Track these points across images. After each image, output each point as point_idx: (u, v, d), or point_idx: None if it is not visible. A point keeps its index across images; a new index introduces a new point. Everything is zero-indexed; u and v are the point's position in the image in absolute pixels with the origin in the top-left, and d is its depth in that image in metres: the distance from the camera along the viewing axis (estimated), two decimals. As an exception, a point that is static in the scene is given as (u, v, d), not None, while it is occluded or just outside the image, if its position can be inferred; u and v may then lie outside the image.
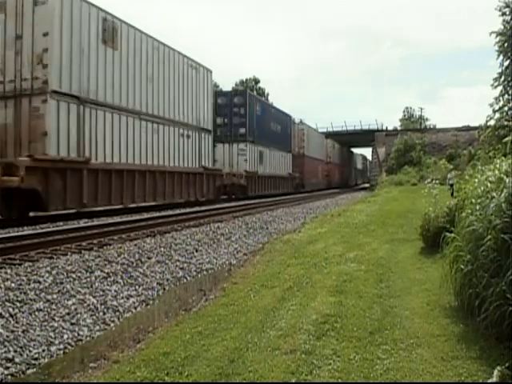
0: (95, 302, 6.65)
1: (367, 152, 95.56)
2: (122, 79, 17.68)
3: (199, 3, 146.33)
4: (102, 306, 6.54)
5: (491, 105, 18.47)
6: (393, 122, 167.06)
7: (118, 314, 6.43)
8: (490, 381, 3.44)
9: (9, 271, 7.32)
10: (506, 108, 18.14)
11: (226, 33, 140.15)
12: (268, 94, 69.57)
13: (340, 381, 3.67)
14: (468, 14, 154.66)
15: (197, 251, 10.75)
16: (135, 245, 10.33)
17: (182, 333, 5.02)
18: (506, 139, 5.61)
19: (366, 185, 68.73)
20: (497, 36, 18.09)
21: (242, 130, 30.74)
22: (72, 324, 5.80)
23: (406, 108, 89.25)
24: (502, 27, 18.35)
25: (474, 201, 5.20)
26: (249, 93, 33.68)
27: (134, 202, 18.43)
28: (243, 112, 30.70)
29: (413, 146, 45.65)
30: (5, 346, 4.88)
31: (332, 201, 30.86)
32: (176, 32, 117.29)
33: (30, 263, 7.91)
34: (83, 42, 15.66)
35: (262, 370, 3.89)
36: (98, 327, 5.88)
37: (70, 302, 6.43)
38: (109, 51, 16.93)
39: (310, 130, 48.42)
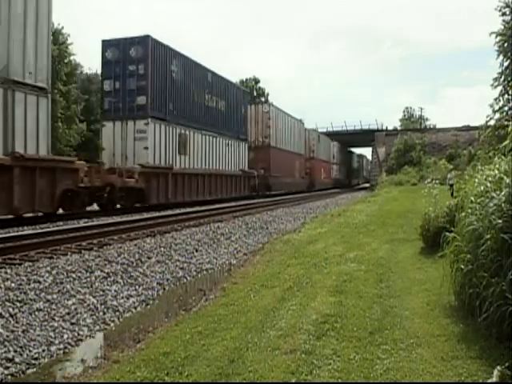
0: (95, 301, 6.65)
1: (367, 152, 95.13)
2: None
3: (199, 3, 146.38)
4: (102, 306, 6.54)
5: (491, 105, 18.50)
6: (393, 121, 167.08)
7: (117, 313, 6.43)
8: (489, 381, 3.44)
9: (9, 271, 7.32)
10: (506, 108, 18.15)
11: (226, 33, 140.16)
12: (268, 94, 69.55)
13: (340, 381, 3.67)
14: (468, 14, 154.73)
15: (197, 251, 10.75)
16: (135, 245, 10.33)
17: (182, 333, 5.02)
18: (504, 143, 5.60)
19: (366, 184, 67.60)
20: (497, 36, 18.10)
21: (141, 100, 19.83)
22: (72, 324, 5.80)
23: (406, 108, 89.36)
24: (502, 27, 18.36)
25: (473, 200, 5.20)
26: (154, 40, 20.34)
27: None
28: (143, 71, 19.75)
29: (413, 146, 45.62)
30: (5, 346, 4.88)
31: (332, 201, 30.87)
32: (176, 32, 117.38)
33: (30, 263, 7.91)
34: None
35: (262, 370, 3.88)
36: (97, 327, 5.88)
37: (70, 302, 6.43)
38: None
39: (281, 113, 37.40)
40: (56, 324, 5.69)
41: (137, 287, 7.65)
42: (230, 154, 28.66)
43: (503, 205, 4.50)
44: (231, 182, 28.16)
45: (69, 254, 8.87)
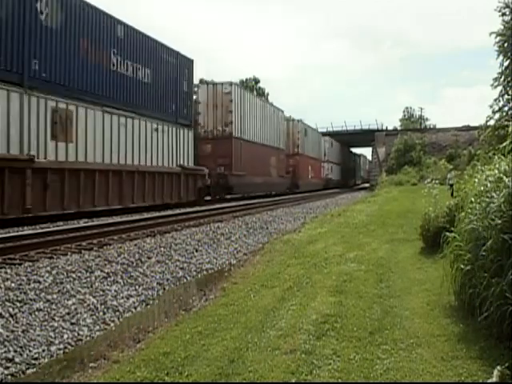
0: (95, 301, 6.65)
1: (367, 152, 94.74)
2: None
3: (199, 3, 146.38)
4: (102, 306, 6.54)
5: (491, 106, 18.51)
6: (393, 121, 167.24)
7: (117, 313, 6.43)
8: (489, 381, 3.44)
9: (9, 271, 7.31)
10: (506, 108, 18.16)
11: (226, 32, 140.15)
12: (268, 94, 69.57)
13: (340, 381, 3.67)
14: (468, 14, 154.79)
15: (197, 251, 10.75)
16: (135, 245, 10.33)
17: (182, 333, 5.02)
18: (504, 144, 5.60)
19: (365, 185, 66.34)
20: (497, 36, 18.11)
21: None
22: (72, 324, 5.80)
23: (406, 108, 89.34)
24: (502, 27, 18.37)
25: (473, 200, 5.20)
26: None
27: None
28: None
29: (413, 146, 45.64)
30: (5, 346, 4.88)
31: (332, 201, 30.88)
32: (177, 32, 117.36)
33: (30, 263, 7.91)
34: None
35: (262, 370, 3.88)
36: (97, 327, 5.88)
37: (69, 302, 6.43)
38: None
39: (250, 97, 31.09)
40: (56, 324, 5.69)
41: (137, 287, 7.65)
42: (160, 144, 20.19)
43: (503, 205, 4.50)
44: (161, 182, 19.80)
45: (69, 253, 8.87)
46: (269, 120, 34.51)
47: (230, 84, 27.68)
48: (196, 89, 26.52)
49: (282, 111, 39.46)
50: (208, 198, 25.23)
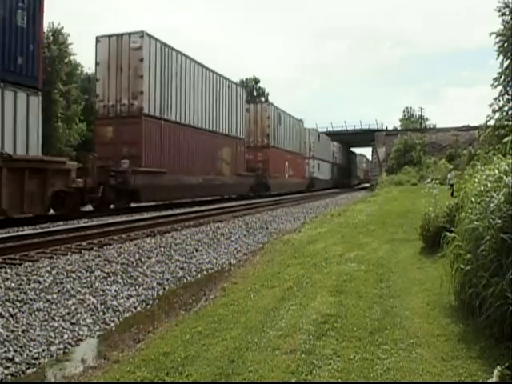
0: (95, 301, 6.65)
1: (367, 152, 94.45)
2: None
3: (199, 3, 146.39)
4: (102, 306, 6.54)
5: (491, 105, 18.50)
6: (393, 121, 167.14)
7: (118, 313, 6.44)
8: (489, 381, 3.44)
9: (9, 271, 7.31)
10: (506, 108, 18.15)
11: (226, 32, 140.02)
12: (268, 94, 69.56)
13: (340, 381, 3.67)
14: (468, 14, 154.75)
15: (197, 251, 10.75)
16: (135, 245, 10.32)
17: (182, 333, 5.02)
18: (506, 139, 5.60)
19: (365, 185, 64.07)
20: (497, 36, 18.10)
21: None
22: (72, 324, 5.80)
23: (406, 108, 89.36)
24: (502, 27, 18.36)
25: (473, 200, 5.20)
26: None
27: None
28: None
29: (413, 146, 45.61)
30: (5, 346, 4.88)
31: (332, 201, 30.87)
32: (177, 32, 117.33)
33: (30, 263, 7.90)
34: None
35: (262, 370, 3.88)
36: (97, 327, 5.88)
37: (70, 302, 6.43)
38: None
39: (168, 51, 20.63)
40: (56, 324, 5.69)
41: (137, 287, 7.65)
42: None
43: (502, 205, 4.50)
44: None
45: (69, 253, 8.87)
46: (219, 97, 25.64)
47: (141, 35, 18.64)
48: (95, 44, 19.16)
49: (243, 88, 31.52)
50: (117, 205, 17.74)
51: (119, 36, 18.93)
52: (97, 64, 19.41)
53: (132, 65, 18.73)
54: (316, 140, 47.48)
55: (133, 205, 19.09)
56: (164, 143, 20.14)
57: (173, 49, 21.18)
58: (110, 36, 19.09)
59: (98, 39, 19.23)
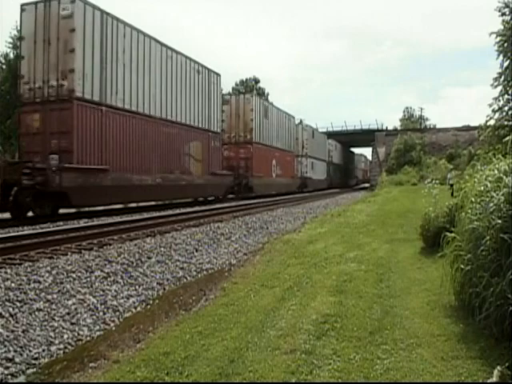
0: (95, 301, 6.64)
1: (367, 152, 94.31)
2: None
3: (199, 3, 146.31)
4: (102, 306, 6.54)
5: (490, 105, 18.50)
6: (393, 121, 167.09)
7: (118, 313, 6.43)
8: (489, 381, 3.44)
9: (9, 271, 7.31)
10: (506, 108, 18.15)
11: (226, 32, 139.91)
12: (268, 94, 69.55)
13: (340, 381, 3.67)
14: (468, 14, 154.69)
15: (197, 251, 10.75)
16: (135, 245, 10.32)
17: (182, 333, 5.02)
18: (506, 139, 5.61)
19: (366, 184, 62.39)
20: (497, 36, 18.10)
21: None
22: (72, 324, 5.80)
23: (406, 108, 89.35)
24: (502, 27, 18.35)
25: (473, 200, 5.20)
26: None
27: None
28: None
29: (413, 146, 45.64)
30: (5, 346, 4.88)
31: (332, 200, 30.88)
32: (176, 32, 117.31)
33: (30, 263, 7.90)
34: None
35: (262, 370, 3.88)
36: (97, 327, 5.88)
37: (69, 302, 6.43)
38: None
39: (107, 19, 16.77)
40: (56, 324, 5.69)
41: (137, 287, 7.65)
42: None
43: (502, 205, 4.50)
44: None
45: (69, 253, 8.87)
46: (186, 83, 22.03)
47: (73, 0, 15.17)
48: (20, 14, 15.81)
49: (218, 75, 25.70)
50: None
51: (47, 2, 15.35)
52: (21, 38, 16.14)
53: (61, 37, 15.17)
54: (310, 137, 44.19)
55: (133, 205, 19.11)
56: (106, 135, 16.53)
57: (118, 20, 17.02)
58: (36, 3, 15.53)
59: (22, 7, 15.73)
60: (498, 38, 18.03)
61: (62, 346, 5.19)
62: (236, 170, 29.10)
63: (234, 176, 28.12)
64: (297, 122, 41.02)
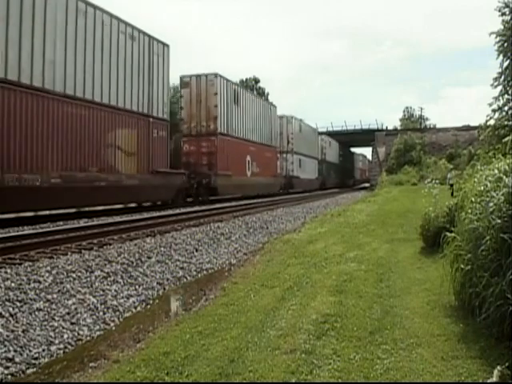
0: (95, 301, 6.64)
1: (367, 152, 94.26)
2: None
3: (199, 3, 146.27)
4: (102, 306, 6.54)
5: (490, 104, 18.51)
6: (393, 121, 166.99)
7: (118, 313, 6.43)
8: (489, 381, 3.44)
9: (9, 271, 7.31)
10: (506, 108, 18.16)
11: (226, 33, 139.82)
12: (268, 94, 69.50)
13: (340, 381, 3.67)
14: (468, 14, 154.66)
15: (197, 251, 10.75)
16: (135, 244, 10.32)
17: (182, 332, 5.02)
18: (506, 139, 5.62)
19: (366, 184, 61.84)
20: (497, 36, 18.11)
21: None
22: (72, 324, 5.80)
23: (406, 108, 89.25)
24: (502, 27, 18.36)
25: (473, 200, 5.20)
26: None
27: None
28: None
29: (413, 146, 45.64)
30: (5, 346, 4.88)
31: (332, 200, 30.89)
32: (176, 32, 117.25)
33: (30, 263, 7.90)
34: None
35: (262, 370, 3.88)
36: (98, 327, 5.88)
37: (70, 302, 6.43)
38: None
39: None
40: (56, 324, 5.69)
41: (137, 287, 7.65)
42: None
43: (502, 205, 4.50)
44: None
45: (69, 253, 8.87)
46: (112, 51, 16.91)
47: None
48: None
49: (165, 45, 20.59)
50: None
51: None
52: None
53: None
54: (297, 131, 39.07)
55: (132, 205, 19.12)
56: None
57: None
58: None
59: None
60: (498, 38, 18.04)
61: (62, 346, 5.19)
62: (195, 168, 24.09)
63: (189, 175, 22.87)
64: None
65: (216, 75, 25.14)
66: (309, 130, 44.63)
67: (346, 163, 63.64)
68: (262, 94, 67.03)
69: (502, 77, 18.06)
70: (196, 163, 24.64)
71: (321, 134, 52.92)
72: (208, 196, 24.16)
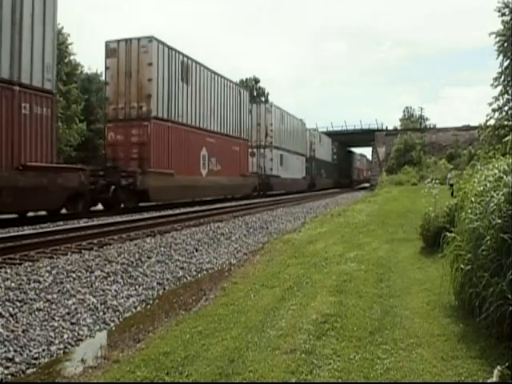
0: (95, 301, 6.64)
1: (367, 152, 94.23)
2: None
3: (199, 3, 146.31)
4: (102, 306, 6.54)
5: (490, 104, 18.54)
6: (393, 121, 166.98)
7: (118, 313, 6.43)
8: (489, 381, 3.44)
9: (9, 271, 7.31)
10: (506, 108, 18.18)
11: (226, 33, 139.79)
12: (268, 94, 69.57)
13: (340, 381, 3.67)
14: (468, 14, 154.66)
15: (197, 251, 10.75)
16: (135, 244, 10.32)
17: (182, 332, 5.02)
18: (506, 139, 5.62)
19: (366, 184, 60.64)
20: (496, 36, 18.14)
21: None
22: (72, 324, 5.80)
23: (406, 108, 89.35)
24: (502, 27, 18.39)
25: (473, 200, 5.20)
26: None
27: None
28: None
29: (413, 146, 45.63)
30: (5, 346, 4.88)
31: (332, 200, 30.90)
32: (176, 32, 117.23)
33: (30, 263, 7.90)
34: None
35: (262, 370, 3.88)
36: (98, 327, 5.88)
37: (70, 302, 6.43)
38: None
39: None
40: (56, 324, 5.69)
41: (137, 287, 7.65)
42: None
43: (502, 204, 4.50)
44: None
45: (69, 253, 8.87)
46: None
47: None
48: None
49: None
50: None
51: None
52: None
53: None
54: (278, 122, 33.45)
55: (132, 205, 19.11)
56: None
57: None
58: None
59: None
60: (498, 38, 18.07)
61: (62, 346, 5.19)
62: (115, 163, 18.58)
63: (97, 173, 17.42)
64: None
65: (151, 39, 19.21)
66: (294, 122, 38.60)
67: (342, 162, 59.51)
68: (261, 94, 67.15)
69: (502, 77, 18.09)
70: (126, 158, 18.84)
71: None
72: (136, 202, 18.46)
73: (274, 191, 33.08)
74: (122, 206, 18.10)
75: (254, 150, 32.08)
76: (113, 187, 17.40)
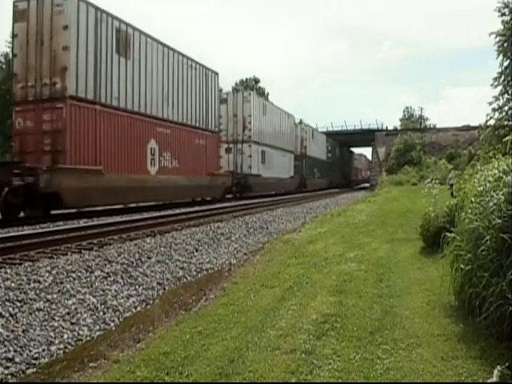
0: (95, 301, 6.64)
1: (367, 152, 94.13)
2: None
3: (199, 3, 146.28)
4: (102, 306, 6.54)
5: (490, 103, 18.52)
6: (393, 121, 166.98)
7: (118, 313, 6.43)
8: (489, 381, 3.44)
9: (9, 271, 7.31)
10: (506, 108, 18.17)
11: (226, 32, 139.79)
12: (268, 94, 69.56)
13: (340, 381, 3.67)
14: (468, 14, 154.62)
15: (197, 251, 10.74)
16: (135, 244, 10.32)
17: (182, 332, 5.02)
18: (506, 138, 5.62)
19: (367, 184, 59.27)
20: (496, 36, 18.12)
21: None
22: (72, 324, 5.79)
23: (406, 108, 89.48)
24: (502, 27, 18.37)
25: (473, 200, 5.20)
26: None
27: None
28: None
29: (413, 146, 45.64)
30: (5, 346, 4.88)
31: (332, 200, 30.89)
32: (176, 32, 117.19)
33: (30, 263, 7.90)
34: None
35: (262, 370, 3.88)
36: (98, 327, 5.87)
37: (70, 302, 6.43)
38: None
39: None
40: (56, 324, 5.68)
41: (137, 287, 7.64)
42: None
43: (502, 204, 4.50)
44: None
45: (69, 253, 8.87)
46: None
47: None
48: None
49: None
50: None
51: None
52: None
53: None
54: (259, 114, 29.30)
55: (133, 205, 19.10)
56: None
57: None
58: None
59: None
60: (498, 38, 18.06)
61: (62, 346, 5.19)
62: (23, 157, 14.46)
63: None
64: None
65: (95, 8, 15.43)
66: (280, 114, 33.94)
67: (339, 161, 55.71)
68: (261, 93, 67.13)
69: (502, 77, 18.07)
70: (37, 150, 14.49)
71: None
72: (42, 209, 14.22)
73: (254, 193, 28.77)
74: (22, 214, 13.96)
75: (230, 145, 28.25)
76: (6, 189, 13.01)
